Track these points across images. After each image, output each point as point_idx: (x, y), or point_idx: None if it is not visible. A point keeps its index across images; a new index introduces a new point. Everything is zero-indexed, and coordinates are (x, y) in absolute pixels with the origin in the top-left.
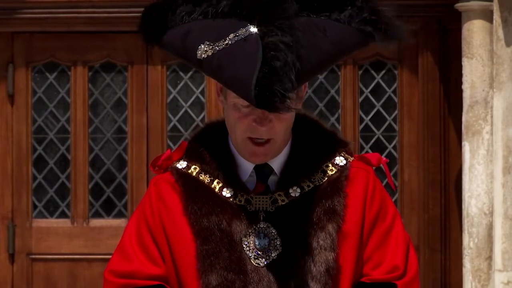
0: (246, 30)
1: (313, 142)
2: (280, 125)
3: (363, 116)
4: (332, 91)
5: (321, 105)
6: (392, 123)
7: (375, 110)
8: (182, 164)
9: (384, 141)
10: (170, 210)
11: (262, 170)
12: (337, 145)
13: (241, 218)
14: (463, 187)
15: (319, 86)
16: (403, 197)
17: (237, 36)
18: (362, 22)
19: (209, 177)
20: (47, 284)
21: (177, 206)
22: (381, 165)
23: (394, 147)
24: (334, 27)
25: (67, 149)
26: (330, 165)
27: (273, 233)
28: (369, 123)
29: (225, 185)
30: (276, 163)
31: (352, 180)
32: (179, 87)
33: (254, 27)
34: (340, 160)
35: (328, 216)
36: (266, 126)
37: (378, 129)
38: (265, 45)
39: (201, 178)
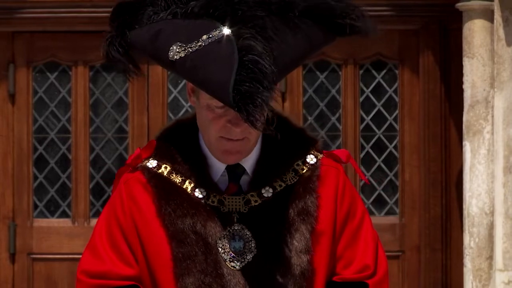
0: (220, 32)
1: (283, 140)
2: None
3: (364, 115)
4: (333, 91)
5: (322, 104)
6: (393, 122)
7: (376, 109)
8: (152, 163)
9: (385, 140)
10: (142, 210)
11: (234, 170)
12: (307, 143)
13: (215, 220)
14: (464, 186)
15: (320, 85)
16: (404, 197)
17: (210, 37)
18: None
19: (181, 177)
20: (47, 283)
21: (149, 207)
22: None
23: (395, 147)
24: (304, 24)
25: (68, 149)
26: (301, 163)
27: (247, 235)
28: (370, 123)
29: (197, 185)
30: (248, 163)
31: (323, 179)
32: (180, 86)
33: (227, 28)
34: (310, 159)
35: (302, 217)
36: (241, 127)
37: (379, 129)
38: (241, 48)
39: (172, 178)
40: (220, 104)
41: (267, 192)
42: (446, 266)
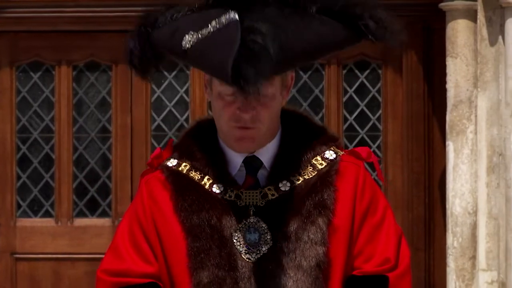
0: (228, 17)
1: (302, 137)
2: (264, 112)
3: (347, 115)
4: (316, 91)
5: (305, 104)
6: (376, 122)
7: (359, 109)
8: (172, 162)
9: (368, 140)
10: (161, 207)
11: (251, 164)
12: (327, 140)
13: (231, 213)
14: (447, 186)
15: (303, 85)
16: (387, 196)
17: (219, 23)
18: (356, 17)
19: (199, 173)
20: (31, 283)
21: (167, 203)
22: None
23: (378, 147)
24: (323, 20)
25: (51, 149)
26: (319, 158)
27: (263, 228)
28: (353, 123)
29: (215, 181)
30: (265, 157)
31: (342, 174)
32: (163, 86)
33: (235, 13)
34: (330, 154)
35: (318, 210)
36: (249, 113)
37: (362, 129)
38: (244, 29)
39: (191, 175)
40: (230, 91)
41: (285, 186)
42: (429, 265)
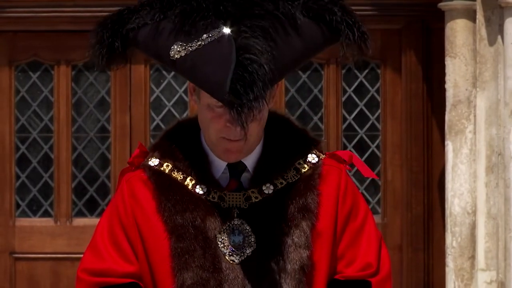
0: (219, 31)
1: (285, 140)
2: (254, 125)
3: (346, 115)
4: (315, 90)
5: (304, 104)
6: (375, 122)
7: (358, 109)
8: (154, 162)
9: (367, 140)
10: (143, 207)
11: (235, 167)
12: (309, 143)
13: (215, 215)
14: (446, 186)
15: (302, 85)
16: (386, 196)
17: (210, 37)
18: (334, 17)
19: (182, 174)
20: (30, 283)
21: (150, 203)
22: (353, 162)
23: (377, 147)
24: (305, 23)
25: (50, 148)
26: (302, 162)
27: (247, 230)
28: (352, 123)
29: (198, 182)
30: (249, 160)
31: (325, 177)
32: (162, 86)
33: (226, 28)
34: (312, 158)
35: (302, 214)
36: (239, 127)
37: (361, 129)
38: (239, 47)
39: (174, 175)
40: (220, 103)
41: (268, 189)
42: (428, 265)
